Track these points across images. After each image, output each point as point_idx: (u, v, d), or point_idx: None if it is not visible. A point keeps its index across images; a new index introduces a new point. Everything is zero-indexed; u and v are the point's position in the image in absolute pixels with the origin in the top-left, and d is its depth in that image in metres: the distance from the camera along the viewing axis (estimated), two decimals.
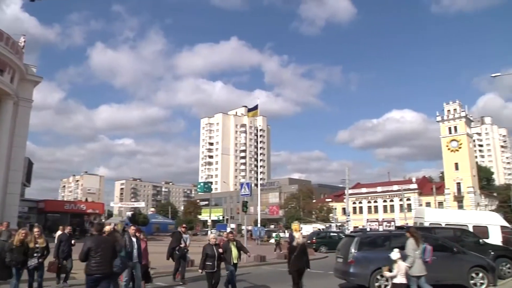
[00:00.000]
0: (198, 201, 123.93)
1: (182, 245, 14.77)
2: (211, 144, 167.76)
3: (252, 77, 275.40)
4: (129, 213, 72.68)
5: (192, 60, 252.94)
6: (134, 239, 11.01)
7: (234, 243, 12.03)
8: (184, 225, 16.83)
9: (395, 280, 9.26)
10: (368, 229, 43.60)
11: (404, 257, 9.72)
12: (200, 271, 10.99)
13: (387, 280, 11.92)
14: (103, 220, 64.86)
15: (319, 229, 58.01)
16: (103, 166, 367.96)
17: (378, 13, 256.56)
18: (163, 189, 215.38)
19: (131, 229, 11.44)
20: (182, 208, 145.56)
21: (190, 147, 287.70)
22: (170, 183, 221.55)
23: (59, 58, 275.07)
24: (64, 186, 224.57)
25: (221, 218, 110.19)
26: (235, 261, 11.69)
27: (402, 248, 12.75)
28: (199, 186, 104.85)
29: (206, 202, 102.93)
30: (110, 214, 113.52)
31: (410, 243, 10.03)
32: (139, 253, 11.01)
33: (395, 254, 9.54)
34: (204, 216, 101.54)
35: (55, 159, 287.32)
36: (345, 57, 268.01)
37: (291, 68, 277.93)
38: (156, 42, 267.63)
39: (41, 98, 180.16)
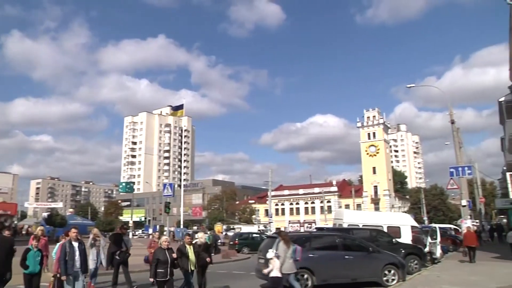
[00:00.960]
0: (119, 201, 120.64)
1: (124, 249, 13.08)
2: (134, 143, 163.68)
3: (178, 77, 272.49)
4: (45, 214, 68.88)
5: (117, 55, 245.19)
6: (76, 244, 9.36)
7: (191, 247, 10.94)
8: (124, 226, 15.09)
9: (271, 274, 10.36)
10: (288, 230, 44.48)
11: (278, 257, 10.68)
12: (151, 280, 9.52)
13: (307, 280, 12.31)
14: (15, 222, 61.19)
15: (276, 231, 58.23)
16: (17, 163, 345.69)
17: (306, 20, 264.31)
18: (83, 189, 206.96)
19: (72, 232, 9.63)
20: (102, 208, 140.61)
21: (113, 145, 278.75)
22: (91, 183, 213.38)
23: None
24: None
25: (143, 219, 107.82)
26: (192, 268, 10.76)
27: (323, 248, 13.28)
28: (121, 186, 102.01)
29: (128, 203, 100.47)
30: (23, 215, 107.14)
31: (281, 245, 10.96)
32: (83, 260, 9.44)
33: (270, 253, 10.59)
34: (126, 217, 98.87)
35: None
36: (272, 61, 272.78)
37: (219, 69, 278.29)
38: (79, 34, 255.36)
39: None
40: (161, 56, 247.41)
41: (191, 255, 10.78)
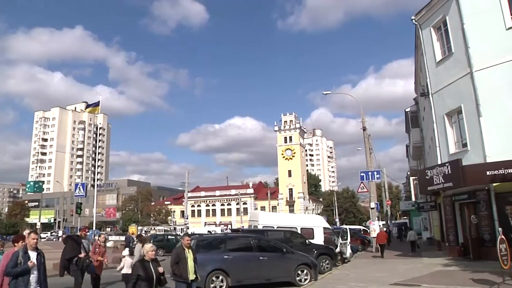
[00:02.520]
0: (26, 202, 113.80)
1: (82, 255, 10.87)
2: (45, 140, 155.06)
3: (95, 71, 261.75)
4: None
5: (28, 44, 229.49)
6: (33, 255, 7.01)
7: (191, 251, 9.16)
8: (86, 227, 12.89)
9: (123, 271, 11.53)
10: (213, 232, 44.39)
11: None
12: None
13: (222, 281, 12.45)
14: None
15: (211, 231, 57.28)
16: None
17: (229, 22, 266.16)
18: None
19: (32, 238, 7.17)
20: (6, 209, 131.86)
21: (20, 141, 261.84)
22: None
23: None
24: None
25: (52, 220, 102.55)
26: (192, 277, 8.87)
27: (238, 249, 13.47)
28: (28, 185, 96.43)
29: (36, 203, 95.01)
30: None
31: (138, 246, 12.21)
32: (43, 277, 7.14)
33: (125, 251, 12.55)
34: (33, 218, 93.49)
35: None
36: (193, 60, 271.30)
37: (138, 66, 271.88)
38: None
39: None
40: (78, 48, 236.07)
41: (190, 262, 8.94)
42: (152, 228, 65.87)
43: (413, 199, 55.00)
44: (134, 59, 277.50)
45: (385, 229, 31.17)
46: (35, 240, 7.08)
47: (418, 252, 25.94)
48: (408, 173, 57.34)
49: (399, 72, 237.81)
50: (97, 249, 12.15)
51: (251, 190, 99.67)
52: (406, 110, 33.58)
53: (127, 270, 11.21)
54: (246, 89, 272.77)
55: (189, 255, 8.97)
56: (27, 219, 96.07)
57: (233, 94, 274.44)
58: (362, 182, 29.69)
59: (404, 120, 38.32)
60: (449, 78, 19.18)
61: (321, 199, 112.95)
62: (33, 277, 6.87)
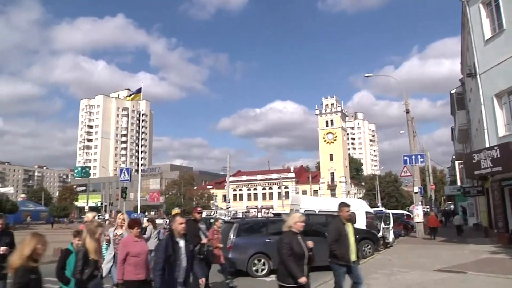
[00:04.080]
0: (75, 186, 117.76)
1: (205, 241, 9.40)
2: (91, 127, 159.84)
3: (137, 59, 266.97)
4: None
5: (72, 34, 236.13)
6: (182, 243, 5.77)
7: (350, 226, 7.73)
8: (197, 207, 11.44)
9: None
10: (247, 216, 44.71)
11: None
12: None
13: (264, 264, 12.54)
14: None
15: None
16: None
17: (268, 5, 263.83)
18: (36, 174, 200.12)
19: (179, 224, 5.84)
20: (57, 194, 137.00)
21: (67, 129, 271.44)
22: (44, 167, 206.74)
23: None
24: None
25: (99, 204, 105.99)
26: (354, 258, 7.48)
27: (279, 233, 13.42)
28: (76, 171, 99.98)
29: (84, 188, 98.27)
30: None
31: (150, 227, 12.03)
32: (188, 269, 5.91)
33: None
34: (81, 202, 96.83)
35: None
36: (232, 45, 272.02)
37: (178, 52, 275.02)
38: (31, 9, 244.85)
39: None
40: (120, 36, 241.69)
41: (352, 238, 7.50)
42: (214, 212, 66.36)
43: (459, 183, 53.59)
44: (175, 45, 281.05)
45: (432, 213, 30.57)
46: (183, 226, 5.76)
47: (464, 238, 25.29)
48: (453, 157, 55.84)
49: (444, 52, 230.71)
50: (215, 236, 10.45)
51: (292, 174, 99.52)
52: (452, 91, 32.54)
53: None
54: (286, 72, 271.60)
55: (350, 230, 7.55)
56: (76, 203, 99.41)
57: (273, 78, 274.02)
58: (405, 166, 29.12)
59: (449, 102, 37.20)
60: (499, 57, 18.35)
61: (363, 183, 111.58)
62: (182, 270, 5.66)
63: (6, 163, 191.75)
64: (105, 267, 7.91)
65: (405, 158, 27.96)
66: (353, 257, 7.31)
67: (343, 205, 7.93)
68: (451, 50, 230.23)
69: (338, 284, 7.36)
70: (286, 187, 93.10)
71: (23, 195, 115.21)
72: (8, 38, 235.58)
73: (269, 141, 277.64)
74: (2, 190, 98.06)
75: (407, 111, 29.42)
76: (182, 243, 5.68)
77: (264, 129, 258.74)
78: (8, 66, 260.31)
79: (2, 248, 6.62)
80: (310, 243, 6.06)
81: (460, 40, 27.32)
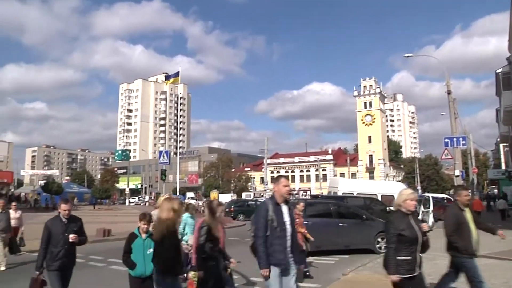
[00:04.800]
0: (115, 169, 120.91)
1: None
2: (130, 111, 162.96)
3: (174, 42, 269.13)
4: (41, 182, 69.23)
5: (110, 20, 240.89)
6: (285, 208, 5.09)
7: (468, 212, 6.39)
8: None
9: None
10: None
11: None
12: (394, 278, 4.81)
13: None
14: (12, 190, 61.41)
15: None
16: (11, 131, 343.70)
17: None
18: (79, 157, 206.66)
19: (283, 186, 5.10)
20: (99, 176, 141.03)
21: (108, 113, 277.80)
22: (86, 151, 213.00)
23: None
24: None
25: (139, 186, 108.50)
26: (477, 251, 6.30)
27: (317, 215, 13.48)
28: (117, 154, 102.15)
29: (124, 170, 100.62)
30: (20, 183, 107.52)
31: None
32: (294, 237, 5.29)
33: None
34: (122, 184, 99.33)
35: None
36: (269, 27, 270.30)
37: (215, 35, 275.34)
38: None
39: None
40: (156, 20, 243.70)
41: (473, 227, 6.26)
42: (262, 195, 66.70)
43: (503, 167, 51.94)
44: (211, 28, 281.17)
45: (476, 197, 29.91)
46: (287, 188, 5.12)
47: (509, 223, 24.59)
48: (498, 139, 54.10)
49: (490, 29, 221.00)
50: (296, 220, 8.53)
51: (330, 157, 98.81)
52: (497, 71, 31.34)
53: None
54: (324, 54, 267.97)
55: (469, 218, 6.28)
56: (117, 185, 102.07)
57: (311, 59, 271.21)
58: (446, 149, 28.38)
59: (494, 82, 35.87)
60: None
61: (402, 166, 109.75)
62: (287, 238, 4.94)
63: (52, 147, 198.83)
64: None
65: (446, 140, 27.23)
66: (477, 248, 6.17)
67: (461, 188, 6.98)
68: (498, 27, 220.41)
69: (476, 278, 6.01)
70: (324, 170, 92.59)
71: (67, 177, 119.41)
72: (50, 26, 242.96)
73: (306, 123, 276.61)
74: (49, 172, 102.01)
75: (449, 92, 28.57)
76: (285, 208, 5.05)
77: (302, 111, 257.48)
78: (50, 54, 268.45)
79: (71, 235, 5.84)
80: (424, 226, 5.15)
81: (509, 16, 26.16)
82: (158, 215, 5.34)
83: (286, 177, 5.36)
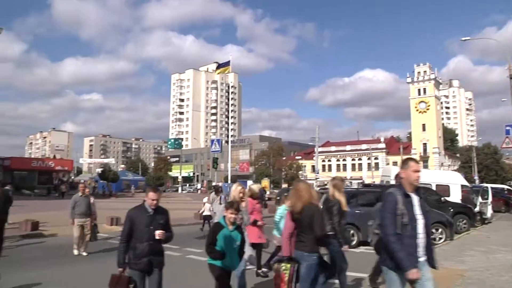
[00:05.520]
0: (168, 157, 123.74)
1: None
2: (182, 100, 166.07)
3: (224, 31, 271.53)
4: (99, 170, 72.13)
5: (161, 11, 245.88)
6: (416, 199, 4.20)
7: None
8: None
9: (204, 214, 16.26)
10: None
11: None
12: None
13: (353, 236, 12.48)
14: (72, 177, 64.33)
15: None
16: (70, 121, 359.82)
17: None
18: (133, 146, 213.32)
19: (413, 170, 4.04)
20: (152, 164, 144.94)
21: (160, 102, 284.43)
22: (140, 140, 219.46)
23: (16, 5, 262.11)
24: (31, 143, 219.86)
25: (191, 174, 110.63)
26: None
27: (369, 205, 13.28)
28: (169, 142, 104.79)
29: (177, 159, 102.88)
30: (79, 171, 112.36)
31: (213, 194, 13.73)
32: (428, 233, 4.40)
33: (204, 199, 17.36)
34: (175, 172, 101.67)
35: (19, 115, 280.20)
36: (319, 13, 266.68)
37: (265, 23, 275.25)
38: None
39: None
40: (206, 10, 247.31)
41: None
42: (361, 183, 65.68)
43: None
44: (261, 16, 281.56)
45: None
46: (418, 174, 4.28)
47: None
48: None
49: None
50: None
51: (382, 145, 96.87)
52: None
53: (207, 212, 15.70)
54: (376, 39, 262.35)
55: None
56: (169, 173, 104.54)
57: (362, 45, 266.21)
58: (507, 137, 27.18)
59: None
60: None
61: (458, 155, 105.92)
62: (420, 234, 4.12)
63: (107, 136, 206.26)
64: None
65: (508, 128, 26.10)
66: None
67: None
68: None
69: None
70: (376, 158, 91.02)
71: (122, 166, 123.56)
72: (104, 20, 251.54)
73: (358, 111, 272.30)
74: (105, 161, 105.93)
75: (511, 77, 27.28)
76: (415, 199, 4.22)
77: (353, 98, 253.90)
78: (105, 46, 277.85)
79: (158, 232, 4.91)
80: None
81: None
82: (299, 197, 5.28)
83: (416, 161, 4.51)
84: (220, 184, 30.34)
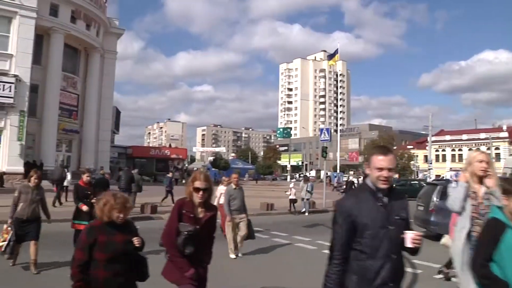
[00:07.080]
0: (277, 146, 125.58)
1: None
2: (290, 89, 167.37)
3: (330, 18, 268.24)
4: (211, 158, 75.58)
5: (266, 1, 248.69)
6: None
7: None
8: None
9: (289, 197, 18.36)
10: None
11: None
12: None
13: None
14: (186, 165, 68.05)
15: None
16: (183, 112, 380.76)
17: None
18: (243, 135, 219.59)
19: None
20: (262, 153, 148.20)
21: (268, 92, 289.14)
22: (250, 129, 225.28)
23: (134, 6, 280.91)
24: (149, 133, 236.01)
25: (300, 163, 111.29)
26: None
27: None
28: (278, 131, 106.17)
29: (286, 148, 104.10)
30: (192, 159, 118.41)
31: (301, 182, 18.84)
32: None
33: (291, 184, 21.30)
34: (284, 161, 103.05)
35: (138, 107, 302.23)
36: None
37: (373, 7, 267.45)
38: None
39: (121, 48, 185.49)
40: None
41: None
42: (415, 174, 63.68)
43: None
44: (368, 1, 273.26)
45: None
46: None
47: None
48: None
49: None
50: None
51: (504, 134, 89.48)
52: None
53: (292, 196, 18.27)
54: (496, 17, 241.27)
55: None
56: (279, 162, 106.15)
57: (480, 25, 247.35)
58: None
59: None
60: None
61: None
62: None
63: (218, 126, 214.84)
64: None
65: None
66: None
67: None
68: None
69: None
70: (497, 148, 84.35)
71: (233, 154, 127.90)
72: (212, 13, 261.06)
73: (476, 97, 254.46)
74: (217, 149, 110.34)
75: None
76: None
77: (471, 83, 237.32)
78: (214, 39, 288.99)
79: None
80: None
81: None
82: None
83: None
84: (318, 173, 30.09)
